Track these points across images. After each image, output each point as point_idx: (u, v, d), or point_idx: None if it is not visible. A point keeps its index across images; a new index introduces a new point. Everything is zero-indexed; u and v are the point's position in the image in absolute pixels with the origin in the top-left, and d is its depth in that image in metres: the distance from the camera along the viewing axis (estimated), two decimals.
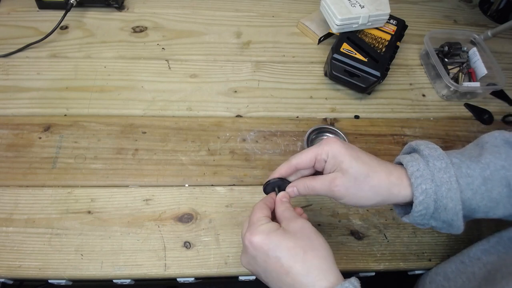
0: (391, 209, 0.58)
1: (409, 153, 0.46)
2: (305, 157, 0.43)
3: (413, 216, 0.42)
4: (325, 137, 0.64)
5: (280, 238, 0.38)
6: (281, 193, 0.45)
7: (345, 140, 0.62)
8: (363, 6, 0.69)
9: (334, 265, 0.38)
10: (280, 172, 0.45)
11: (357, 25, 0.70)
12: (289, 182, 0.45)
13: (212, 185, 0.58)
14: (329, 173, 0.43)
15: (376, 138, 0.65)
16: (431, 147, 0.43)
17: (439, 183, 0.40)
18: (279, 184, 0.45)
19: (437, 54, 0.73)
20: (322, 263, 0.38)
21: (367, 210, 0.57)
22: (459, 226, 0.42)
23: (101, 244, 0.51)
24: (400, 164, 0.44)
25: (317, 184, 0.43)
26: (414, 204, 0.41)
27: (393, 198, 0.42)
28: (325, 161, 0.43)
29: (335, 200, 0.43)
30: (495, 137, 0.45)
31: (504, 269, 0.41)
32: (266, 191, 0.47)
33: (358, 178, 0.41)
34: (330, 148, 0.42)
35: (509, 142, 0.44)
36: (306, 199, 0.58)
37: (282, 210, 0.42)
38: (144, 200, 0.55)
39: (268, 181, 0.45)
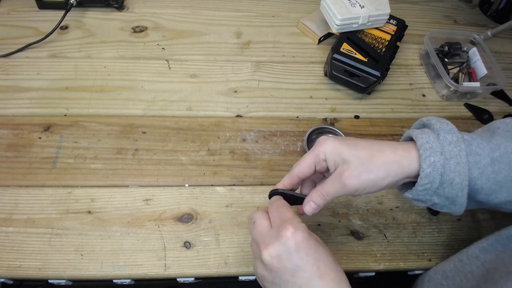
0: (391, 209, 0.58)
1: (419, 128, 0.46)
2: (304, 164, 0.43)
3: (417, 190, 0.41)
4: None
5: (318, 243, 0.39)
6: None
7: None
8: (363, 6, 0.69)
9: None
10: (283, 184, 0.44)
11: (357, 25, 0.70)
12: (295, 193, 0.45)
13: (212, 185, 0.58)
14: (334, 170, 0.42)
15: (376, 138, 0.65)
16: (442, 121, 0.43)
17: (449, 156, 0.39)
18: (284, 194, 0.44)
19: (437, 54, 0.73)
20: (346, 276, 0.39)
21: (367, 210, 0.57)
22: (462, 204, 0.41)
23: (101, 244, 0.51)
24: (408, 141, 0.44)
25: (329, 187, 0.41)
26: (420, 177, 0.40)
27: (405, 171, 0.41)
28: (325, 161, 0.42)
29: (352, 196, 0.42)
30: (506, 123, 0.45)
31: (502, 268, 0.41)
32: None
33: (364, 162, 0.40)
34: (325, 147, 0.42)
35: None
36: None
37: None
38: (144, 200, 0.55)
39: (276, 189, 0.44)
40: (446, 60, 0.74)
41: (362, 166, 0.40)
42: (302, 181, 0.46)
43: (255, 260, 0.41)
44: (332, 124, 0.66)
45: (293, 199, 0.45)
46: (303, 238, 0.38)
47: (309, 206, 0.43)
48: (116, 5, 0.77)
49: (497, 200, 0.42)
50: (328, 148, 0.42)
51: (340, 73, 0.67)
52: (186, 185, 0.57)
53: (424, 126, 0.45)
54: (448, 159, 0.39)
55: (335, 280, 0.37)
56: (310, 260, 0.37)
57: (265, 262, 0.38)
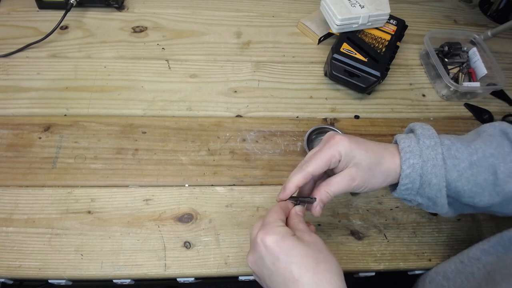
0: (391, 209, 0.58)
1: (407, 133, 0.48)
2: (321, 163, 0.43)
3: (400, 189, 0.45)
4: None
5: (295, 243, 0.37)
6: (298, 207, 0.44)
7: None
8: (363, 6, 0.69)
9: (344, 285, 0.37)
10: (296, 183, 0.43)
11: (357, 25, 0.70)
12: (309, 200, 0.44)
13: (212, 185, 0.58)
14: (342, 170, 0.44)
15: (376, 138, 0.65)
16: (425, 128, 0.46)
17: (426, 159, 0.43)
18: (300, 202, 0.45)
19: (437, 54, 0.73)
20: (333, 278, 0.37)
21: (367, 210, 0.57)
22: (443, 204, 0.44)
23: (101, 244, 0.51)
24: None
25: (337, 188, 0.43)
26: (400, 177, 0.44)
27: (398, 177, 0.45)
28: (339, 161, 0.43)
29: (352, 195, 0.44)
30: (494, 127, 0.47)
31: (504, 270, 0.41)
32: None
33: (372, 168, 0.43)
34: (342, 148, 0.43)
35: (506, 132, 0.45)
36: None
37: (296, 222, 0.42)
38: (144, 200, 0.55)
39: (295, 197, 0.45)
40: (446, 60, 0.74)
41: (369, 170, 0.43)
42: None
43: None
44: (332, 124, 0.66)
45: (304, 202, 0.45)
46: (273, 242, 0.37)
47: (321, 207, 0.44)
48: (116, 5, 0.77)
49: (483, 203, 0.44)
50: (344, 149, 0.43)
51: (340, 73, 0.67)
52: (186, 185, 0.57)
53: (411, 131, 0.48)
54: (426, 161, 0.43)
55: (310, 284, 0.36)
56: (281, 264, 0.37)
57: (251, 269, 0.41)
